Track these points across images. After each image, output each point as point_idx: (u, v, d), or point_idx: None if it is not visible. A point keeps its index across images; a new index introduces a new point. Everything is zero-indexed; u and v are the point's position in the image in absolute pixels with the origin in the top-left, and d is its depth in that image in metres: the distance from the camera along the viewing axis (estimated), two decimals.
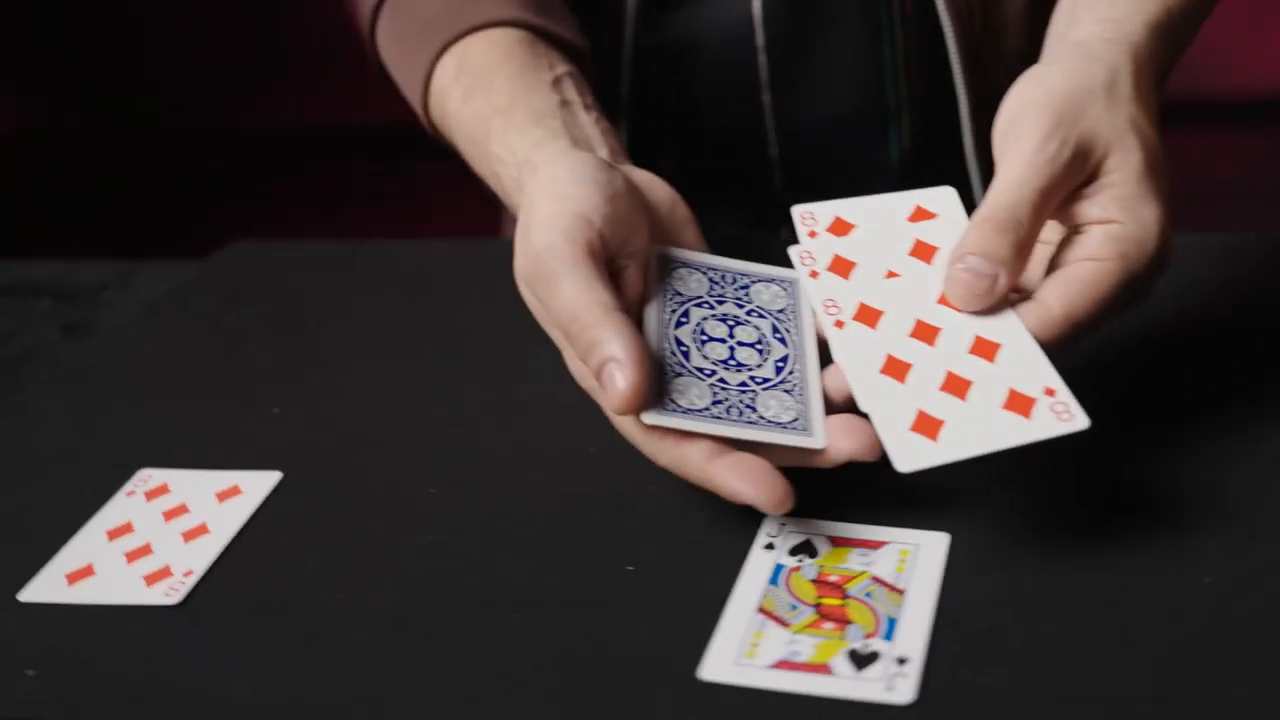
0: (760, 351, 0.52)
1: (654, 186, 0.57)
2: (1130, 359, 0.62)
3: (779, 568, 0.51)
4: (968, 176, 0.84)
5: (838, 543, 0.52)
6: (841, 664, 0.46)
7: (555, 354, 0.55)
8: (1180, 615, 0.46)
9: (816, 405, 0.51)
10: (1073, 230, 0.53)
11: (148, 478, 0.62)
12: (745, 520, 0.53)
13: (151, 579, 0.55)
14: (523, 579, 0.52)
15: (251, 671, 0.49)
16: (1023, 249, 0.50)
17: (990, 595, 0.48)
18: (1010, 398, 0.48)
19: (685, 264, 0.55)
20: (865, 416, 0.49)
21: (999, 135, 0.53)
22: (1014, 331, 0.50)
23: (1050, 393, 0.48)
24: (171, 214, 2.56)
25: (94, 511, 0.60)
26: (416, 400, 0.66)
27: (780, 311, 0.54)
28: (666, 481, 0.56)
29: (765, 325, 0.53)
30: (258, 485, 0.60)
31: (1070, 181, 0.51)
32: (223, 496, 0.60)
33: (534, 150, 0.59)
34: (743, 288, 0.55)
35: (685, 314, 0.53)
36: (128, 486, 0.61)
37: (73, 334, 0.80)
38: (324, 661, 0.49)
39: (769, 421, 0.49)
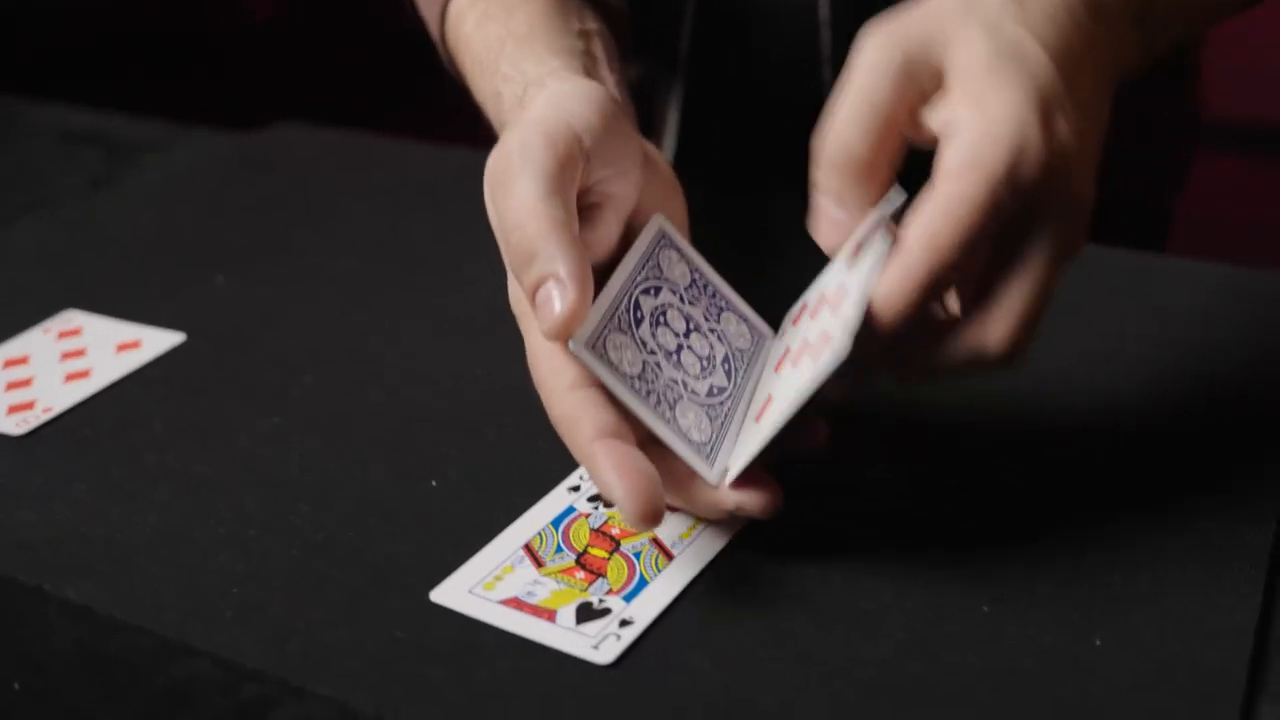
0: (704, 367, 0.48)
1: (660, 161, 0.51)
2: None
3: (569, 510, 0.49)
4: None
5: None
6: (567, 614, 0.44)
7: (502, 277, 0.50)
8: (956, 637, 0.42)
9: (728, 445, 0.46)
10: (929, 139, 0.44)
11: (69, 319, 0.64)
12: (569, 461, 0.51)
13: (15, 408, 0.57)
14: (331, 476, 0.52)
15: (43, 508, 0.50)
16: (859, 176, 0.43)
17: (756, 584, 0.45)
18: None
19: (680, 251, 0.50)
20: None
21: (853, 63, 0.45)
22: (785, 400, 0.44)
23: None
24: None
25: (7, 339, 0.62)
26: (351, 301, 0.66)
27: (739, 350, 0.50)
28: (524, 418, 0.54)
29: (720, 350, 0.49)
30: (157, 343, 0.62)
31: (910, 88, 0.43)
32: (121, 348, 0.62)
33: (548, 75, 0.53)
34: (718, 307, 0.50)
35: (657, 289, 0.49)
36: (46, 323, 0.64)
37: (98, 185, 0.84)
38: (115, 511, 0.50)
39: (680, 431, 0.45)
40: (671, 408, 0.45)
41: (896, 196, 0.44)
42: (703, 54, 0.84)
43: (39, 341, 0.62)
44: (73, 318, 0.64)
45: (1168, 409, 0.54)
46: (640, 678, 0.41)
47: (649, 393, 0.44)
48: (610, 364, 0.44)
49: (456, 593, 0.45)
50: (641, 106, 0.91)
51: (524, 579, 0.45)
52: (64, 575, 0.47)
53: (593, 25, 0.62)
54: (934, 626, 0.42)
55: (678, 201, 0.52)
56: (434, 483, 0.51)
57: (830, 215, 0.44)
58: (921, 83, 0.43)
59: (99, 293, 0.67)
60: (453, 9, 0.68)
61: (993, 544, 0.46)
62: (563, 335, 0.42)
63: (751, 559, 0.46)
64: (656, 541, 0.47)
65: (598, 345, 0.44)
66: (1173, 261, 0.68)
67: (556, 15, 0.60)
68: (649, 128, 0.93)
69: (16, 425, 0.56)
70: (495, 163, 0.46)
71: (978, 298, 0.43)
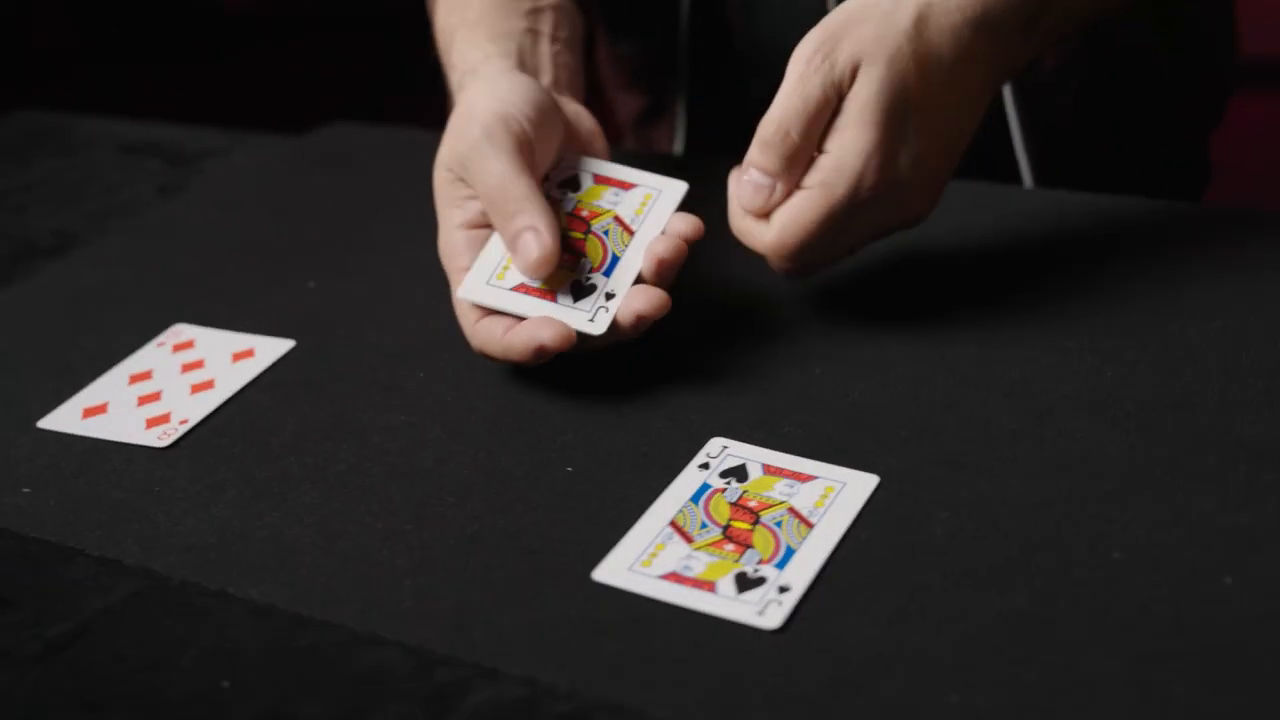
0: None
1: (581, 118, 0.64)
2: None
3: (705, 487, 0.52)
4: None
5: (769, 471, 0.52)
6: (727, 584, 0.47)
7: None
8: (1085, 585, 0.45)
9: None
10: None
11: (179, 332, 0.67)
12: (691, 439, 0.55)
13: (152, 422, 0.59)
14: (470, 468, 0.55)
15: (202, 515, 0.53)
16: (792, 158, 0.55)
17: (895, 541, 0.48)
18: None
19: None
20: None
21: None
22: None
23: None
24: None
25: (127, 356, 0.65)
26: (445, 292, 0.69)
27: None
28: (630, 394, 0.58)
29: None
30: (270, 350, 0.64)
31: (828, 102, 0.55)
32: (237, 357, 0.64)
33: (482, 62, 0.64)
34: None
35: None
36: (160, 338, 0.66)
37: (166, 194, 0.86)
38: (272, 512, 0.53)
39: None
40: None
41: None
42: (707, 35, 0.86)
43: (157, 356, 0.65)
44: (183, 331, 0.67)
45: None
46: (806, 639, 0.44)
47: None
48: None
49: (617, 571, 0.48)
50: (649, 97, 0.94)
51: (677, 554, 0.48)
52: (242, 577, 0.50)
53: (546, 2, 0.69)
54: (1064, 574, 0.46)
55: (599, 142, 0.64)
56: (569, 469, 0.54)
57: (758, 182, 0.56)
58: (835, 99, 0.55)
59: (198, 302, 0.70)
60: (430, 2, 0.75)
61: (1116, 498, 0.49)
62: (542, 271, 0.56)
63: (883, 522, 0.49)
64: (793, 511, 0.50)
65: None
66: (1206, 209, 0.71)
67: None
68: (656, 118, 0.95)
69: (159, 438, 0.58)
70: (459, 149, 0.58)
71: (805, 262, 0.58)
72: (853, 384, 0.58)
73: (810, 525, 0.49)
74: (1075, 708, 0.40)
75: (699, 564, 0.48)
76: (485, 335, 0.57)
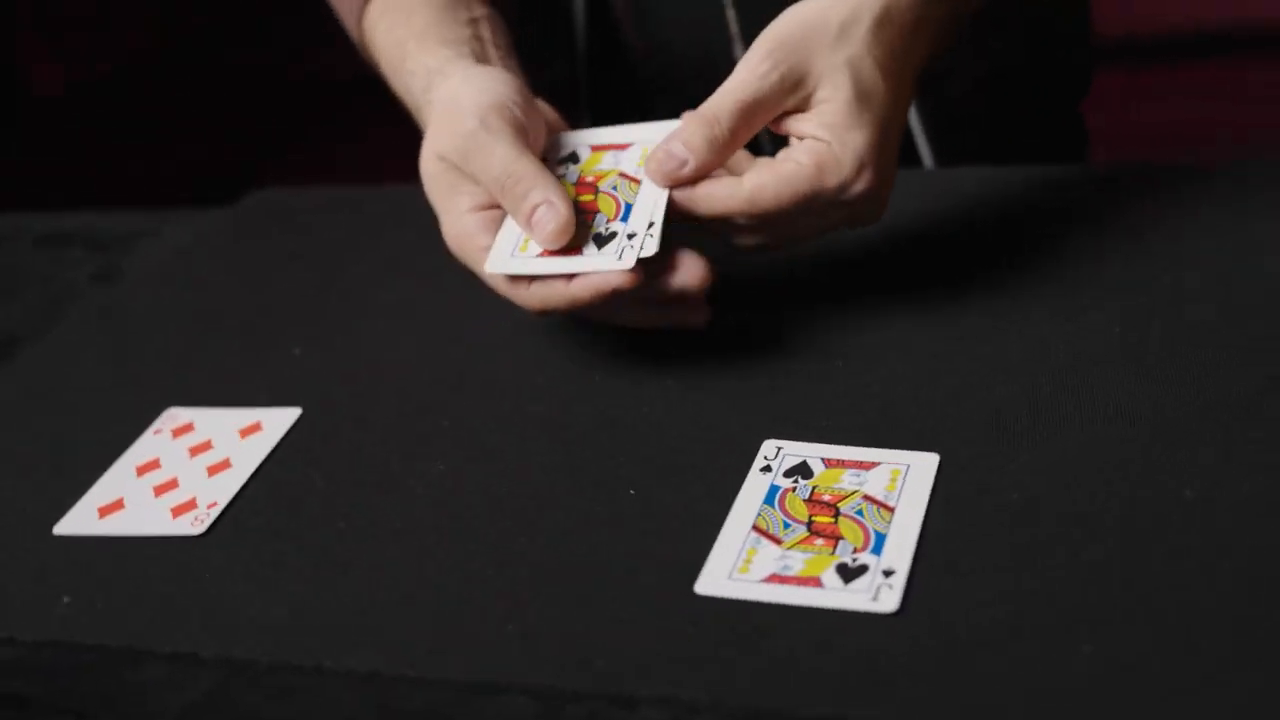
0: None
1: (547, 110, 0.66)
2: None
3: (775, 489, 0.53)
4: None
5: (831, 464, 0.53)
6: (831, 577, 0.47)
7: None
8: (1169, 524, 0.47)
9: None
10: (791, 140, 0.59)
11: (174, 416, 0.64)
12: (744, 444, 0.55)
13: (178, 511, 0.57)
14: (528, 504, 0.54)
15: (270, 594, 0.51)
16: (716, 145, 0.57)
17: (975, 511, 0.50)
18: None
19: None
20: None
21: (741, 58, 0.59)
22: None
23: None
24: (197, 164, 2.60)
25: (124, 448, 0.62)
26: (428, 338, 0.68)
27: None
28: (663, 408, 0.58)
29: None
30: (278, 421, 0.63)
31: (778, 101, 0.58)
32: (245, 433, 0.62)
33: (444, 64, 0.65)
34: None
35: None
36: (155, 425, 0.64)
37: (103, 280, 0.83)
38: (339, 579, 0.52)
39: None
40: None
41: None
42: (609, 58, 0.87)
43: (159, 444, 0.62)
44: (178, 414, 0.64)
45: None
46: (924, 617, 0.45)
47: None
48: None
49: (719, 581, 0.48)
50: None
51: (771, 556, 0.49)
52: (332, 648, 0.48)
53: (480, 11, 0.71)
54: (1145, 518, 0.48)
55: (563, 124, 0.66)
56: (632, 491, 0.54)
57: (677, 155, 0.57)
58: (789, 100, 0.58)
59: (180, 383, 0.67)
60: (366, 21, 0.75)
61: (1164, 440, 0.52)
62: (562, 239, 0.56)
63: (956, 496, 0.51)
64: (869, 498, 0.51)
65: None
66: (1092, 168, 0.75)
67: (447, 10, 0.70)
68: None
69: (192, 524, 0.56)
70: (455, 142, 0.59)
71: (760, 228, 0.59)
72: (874, 371, 0.59)
73: (891, 509, 0.50)
74: (1209, 638, 0.42)
75: (796, 562, 0.48)
76: (546, 293, 0.57)
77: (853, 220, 0.60)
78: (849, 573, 0.47)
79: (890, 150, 0.59)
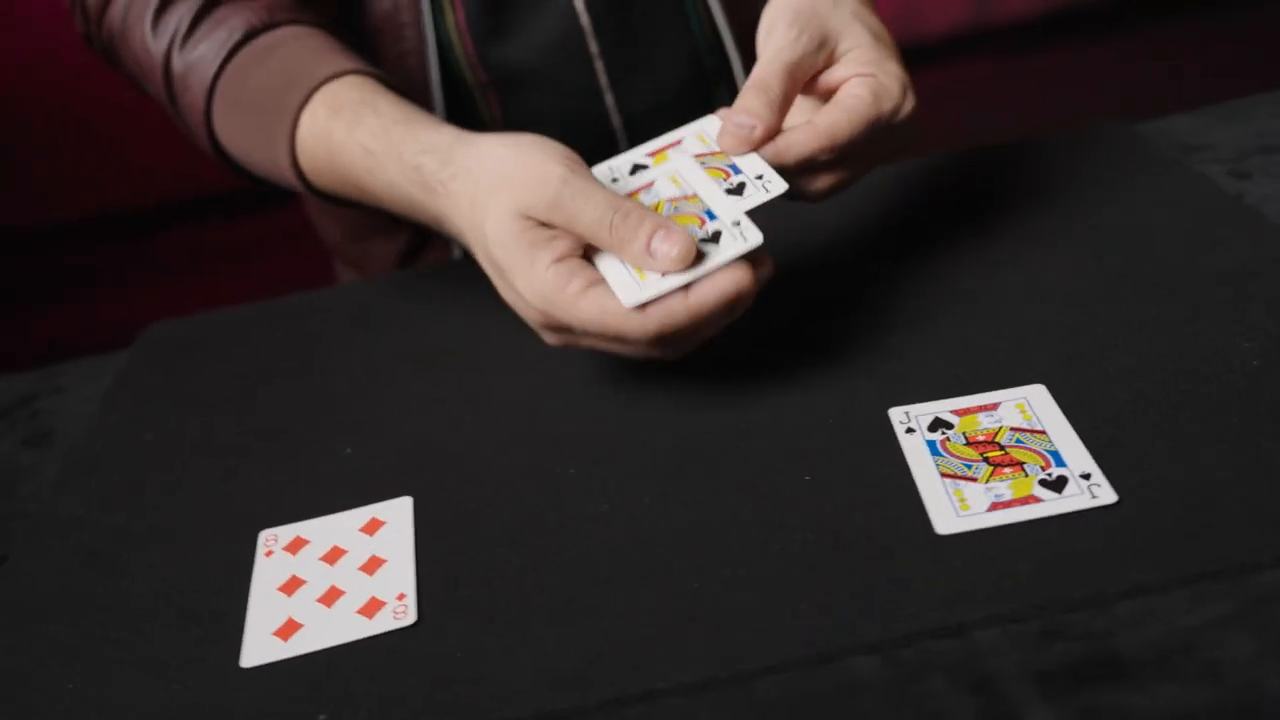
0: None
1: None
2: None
3: (931, 443, 0.59)
4: None
5: (960, 413, 0.61)
6: (1043, 492, 0.55)
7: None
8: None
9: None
10: (833, 90, 0.67)
11: (274, 536, 0.62)
12: (874, 418, 0.62)
13: (369, 610, 0.56)
14: (700, 543, 0.57)
15: (525, 653, 0.52)
16: (774, 106, 0.64)
17: (1099, 416, 0.59)
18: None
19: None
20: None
21: (760, 39, 0.68)
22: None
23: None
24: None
25: (239, 580, 0.59)
26: (469, 401, 0.69)
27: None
28: (775, 414, 0.63)
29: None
30: (398, 512, 0.62)
31: (812, 62, 0.67)
32: (367, 530, 0.61)
33: (458, 135, 0.67)
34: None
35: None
36: (261, 548, 0.61)
37: (36, 444, 0.76)
38: (576, 621, 0.53)
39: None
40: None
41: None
42: (482, 120, 0.92)
43: (283, 563, 0.60)
44: (278, 534, 0.62)
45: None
46: (1140, 502, 0.54)
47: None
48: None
49: (954, 519, 0.54)
50: (414, 229, 0.97)
51: (978, 492, 0.56)
52: (632, 677, 0.50)
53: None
54: (1239, 379, 0.59)
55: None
56: (807, 477, 0.59)
57: (742, 122, 0.64)
58: (819, 58, 0.67)
59: (245, 509, 0.64)
60: (304, 133, 0.75)
61: (1222, 330, 0.63)
62: (689, 257, 0.59)
63: (1086, 412, 0.60)
64: (1016, 429, 0.59)
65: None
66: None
67: (405, 102, 0.73)
68: (422, 249, 0.98)
69: (395, 617, 0.55)
70: (544, 193, 0.61)
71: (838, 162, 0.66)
72: (935, 330, 0.67)
73: (1040, 431, 0.59)
74: None
75: (1006, 491, 0.55)
76: (661, 314, 0.59)
77: (899, 148, 0.68)
78: (1054, 485, 0.55)
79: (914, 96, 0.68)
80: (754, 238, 0.60)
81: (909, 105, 0.66)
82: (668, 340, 0.60)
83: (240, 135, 0.79)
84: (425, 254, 0.96)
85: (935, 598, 0.51)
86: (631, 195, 0.66)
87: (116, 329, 0.91)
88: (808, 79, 0.67)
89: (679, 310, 0.60)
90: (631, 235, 0.60)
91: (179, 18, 0.78)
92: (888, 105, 0.65)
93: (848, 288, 0.73)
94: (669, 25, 0.91)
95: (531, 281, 0.62)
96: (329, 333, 0.81)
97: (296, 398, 0.74)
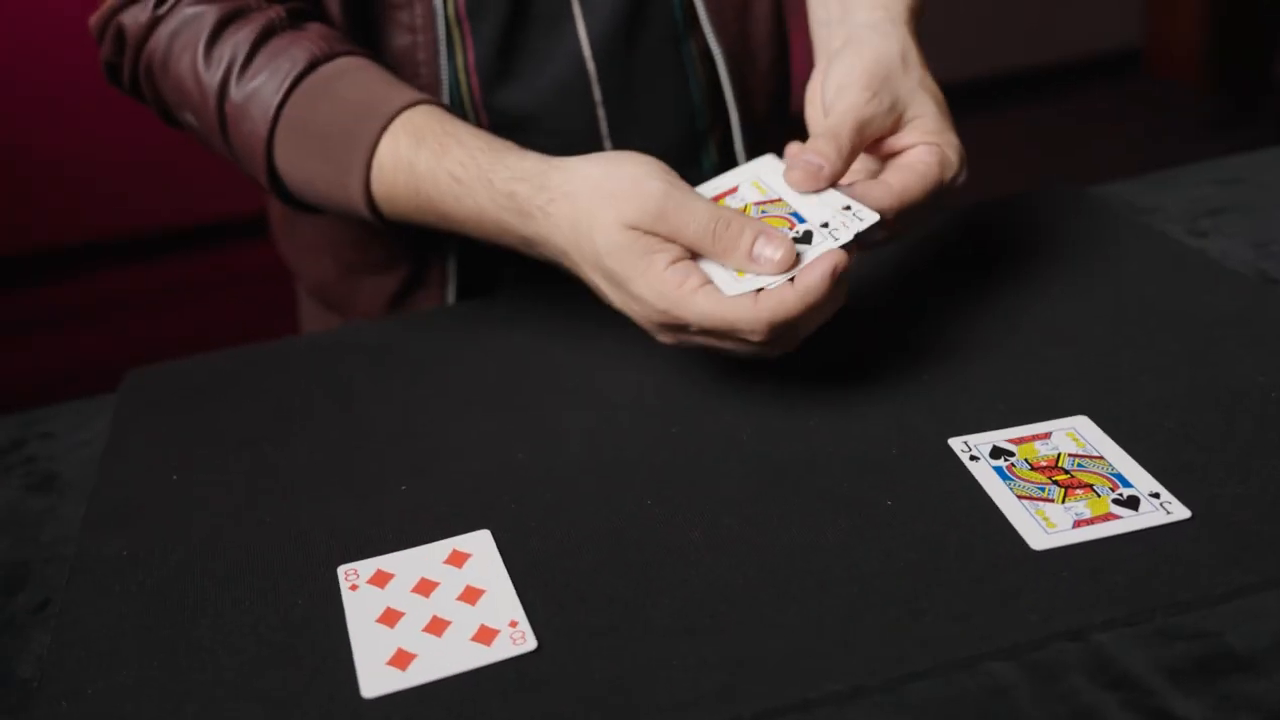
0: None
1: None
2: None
3: (999, 469, 0.63)
4: None
5: (1016, 441, 0.65)
6: (1120, 510, 0.59)
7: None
8: None
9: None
10: (898, 153, 0.73)
11: (354, 571, 0.61)
12: (934, 448, 0.65)
13: (484, 637, 0.56)
14: (807, 553, 0.60)
15: (642, 682, 0.53)
16: (842, 154, 0.69)
17: (1151, 445, 0.64)
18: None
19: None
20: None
21: (830, 96, 0.72)
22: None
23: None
24: None
25: (326, 614, 0.58)
26: (520, 435, 0.70)
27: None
28: (837, 442, 0.66)
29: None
30: (480, 544, 0.62)
31: (882, 124, 0.72)
32: (452, 561, 0.61)
33: (547, 161, 0.70)
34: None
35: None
36: (344, 583, 0.60)
37: (42, 489, 0.72)
38: (690, 639, 0.54)
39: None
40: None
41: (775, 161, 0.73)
42: None
43: (372, 597, 0.59)
44: (357, 568, 0.61)
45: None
46: (1209, 517, 0.58)
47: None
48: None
49: (1042, 537, 0.58)
50: (410, 268, 0.97)
51: (1058, 511, 0.60)
52: (757, 694, 0.51)
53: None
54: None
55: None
56: (889, 502, 0.62)
57: (813, 162, 0.68)
58: (888, 121, 0.72)
59: (309, 546, 0.63)
60: (383, 162, 0.76)
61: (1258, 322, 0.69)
62: (790, 260, 0.64)
63: (1137, 436, 0.64)
64: (1074, 455, 0.63)
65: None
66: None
67: (479, 130, 0.76)
68: (417, 288, 0.98)
69: (515, 643, 0.55)
70: (648, 206, 0.65)
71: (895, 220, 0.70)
72: (969, 369, 0.72)
73: (1099, 457, 0.63)
74: None
75: (1083, 508, 0.59)
76: (773, 303, 0.63)
77: (944, 205, 0.73)
78: (1128, 504, 0.59)
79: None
80: (849, 232, 0.66)
81: (963, 176, 0.72)
82: (779, 329, 0.64)
83: (305, 162, 0.78)
84: (418, 293, 0.96)
85: (1046, 606, 0.54)
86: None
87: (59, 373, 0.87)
88: (874, 139, 0.72)
89: (789, 297, 0.63)
90: (734, 242, 0.65)
91: (234, 47, 0.77)
92: (949, 174, 0.71)
93: (884, 328, 0.77)
94: (668, 79, 0.94)
95: (651, 282, 0.65)
96: (353, 372, 0.80)
97: (330, 437, 0.73)
